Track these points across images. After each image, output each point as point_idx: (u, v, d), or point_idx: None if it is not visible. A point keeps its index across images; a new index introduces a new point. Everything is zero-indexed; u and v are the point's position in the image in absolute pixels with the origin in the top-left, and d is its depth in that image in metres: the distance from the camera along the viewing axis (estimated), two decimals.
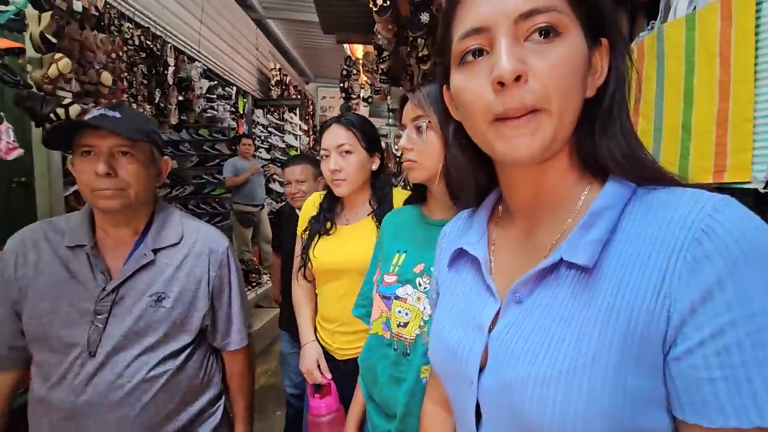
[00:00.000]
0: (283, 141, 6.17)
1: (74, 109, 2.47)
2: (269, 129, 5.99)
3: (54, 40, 2.35)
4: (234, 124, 5.04)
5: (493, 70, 0.38)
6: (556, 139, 0.40)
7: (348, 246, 1.24)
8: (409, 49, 2.44)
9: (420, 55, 2.17)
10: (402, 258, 0.95)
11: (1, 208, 2.77)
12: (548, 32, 0.38)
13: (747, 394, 0.31)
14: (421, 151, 0.86)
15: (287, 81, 6.61)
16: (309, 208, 1.38)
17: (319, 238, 1.28)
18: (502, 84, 0.38)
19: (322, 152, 1.21)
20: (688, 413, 0.33)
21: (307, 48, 7.34)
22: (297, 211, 1.89)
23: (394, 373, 0.91)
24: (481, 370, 0.45)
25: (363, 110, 9.04)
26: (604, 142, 0.41)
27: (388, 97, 4.55)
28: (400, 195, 1.23)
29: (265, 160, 5.68)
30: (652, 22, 1.09)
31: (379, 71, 2.93)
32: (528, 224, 0.48)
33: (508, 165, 0.46)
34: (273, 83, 6.15)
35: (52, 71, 2.35)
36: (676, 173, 0.41)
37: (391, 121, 7.93)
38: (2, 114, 2.28)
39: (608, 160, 0.41)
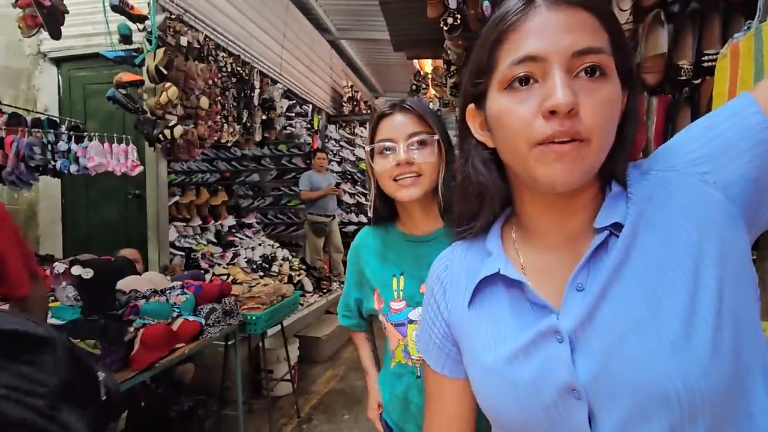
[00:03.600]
0: (354, 154, 6.42)
1: (178, 130, 2.84)
2: (341, 143, 6.28)
3: (165, 72, 2.72)
4: (309, 139, 5.38)
5: (547, 99, 0.40)
6: (593, 169, 0.43)
7: None
8: None
9: None
10: (402, 281, 0.91)
11: (119, 216, 3.24)
12: (595, 71, 0.41)
13: None
14: (425, 165, 0.84)
15: (358, 97, 6.90)
16: None
17: None
18: (553, 113, 0.40)
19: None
20: None
21: (377, 64, 7.61)
22: None
23: (423, 401, 0.87)
24: None
25: None
26: (620, 167, 0.47)
27: (457, 109, 4.56)
28: None
29: (337, 172, 5.95)
30: (748, 22, 1.01)
31: (449, 85, 2.97)
32: (561, 240, 0.49)
33: (546, 191, 0.45)
34: (345, 100, 6.46)
35: (163, 98, 2.73)
36: None
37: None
38: (130, 137, 2.69)
39: (620, 178, 0.48)
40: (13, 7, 2.26)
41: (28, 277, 1.09)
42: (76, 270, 1.58)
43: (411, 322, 0.89)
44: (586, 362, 0.42)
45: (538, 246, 0.51)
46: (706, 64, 1.23)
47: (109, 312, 1.61)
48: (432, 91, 4.62)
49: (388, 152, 0.86)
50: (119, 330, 1.55)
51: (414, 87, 5.45)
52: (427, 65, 5.38)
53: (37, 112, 2.91)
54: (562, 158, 0.41)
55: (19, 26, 2.29)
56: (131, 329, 1.61)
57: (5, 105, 2.58)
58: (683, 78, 1.28)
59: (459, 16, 1.93)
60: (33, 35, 2.34)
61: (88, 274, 1.58)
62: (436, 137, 0.86)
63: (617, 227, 0.44)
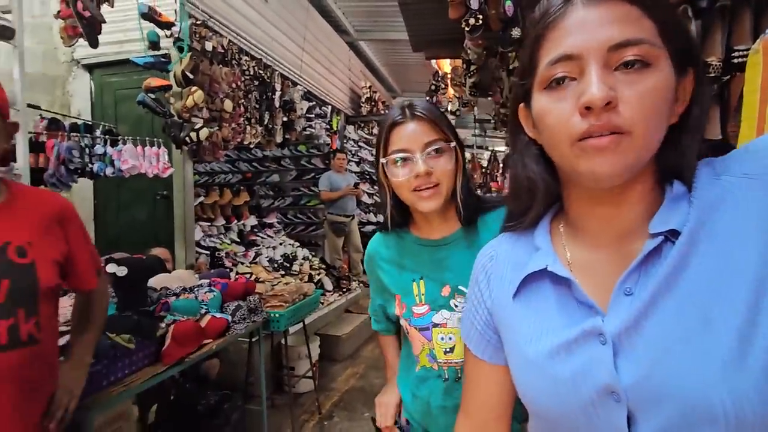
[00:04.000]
0: (372, 154, 6.47)
1: (203, 133, 2.92)
2: (359, 144, 6.34)
3: (191, 76, 2.81)
4: (328, 140, 5.44)
5: (582, 95, 0.40)
6: (638, 162, 0.42)
7: None
8: (499, 62, 2.45)
9: (510, 67, 2.17)
10: (422, 285, 0.91)
11: (148, 216, 3.36)
12: (636, 63, 0.40)
13: None
14: (443, 174, 0.83)
15: (376, 97, 6.94)
16: None
17: None
18: (589, 109, 0.40)
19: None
20: None
21: (396, 64, 7.63)
22: None
23: (448, 403, 0.89)
24: None
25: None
26: (686, 161, 0.45)
27: (475, 108, 4.54)
28: None
29: (356, 172, 6.00)
30: None
31: (468, 85, 2.97)
32: (610, 237, 0.48)
33: (591, 185, 0.45)
34: (363, 100, 6.50)
35: (189, 102, 2.81)
36: None
37: (477, 131, 7.84)
38: (161, 140, 2.79)
39: (687, 176, 0.45)
40: (55, 18, 2.38)
41: (95, 272, 1.16)
42: (111, 268, 1.65)
43: (435, 325, 0.89)
44: (630, 367, 0.42)
45: (586, 243, 0.51)
46: (735, 60, 1.21)
47: (141, 308, 1.68)
48: (451, 91, 4.62)
49: (402, 162, 0.83)
50: (152, 325, 1.61)
51: (433, 87, 5.44)
52: (445, 65, 5.36)
53: (71, 117, 3.04)
54: (602, 152, 0.40)
55: (60, 36, 2.41)
56: (162, 325, 1.68)
57: (44, 110, 2.71)
58: (712, 75, 1.26)
59: (480, 16, 1.94)
60: (72, 45, 2.46)
61: (122, 271, 1.65)
62: (453, 144, 0.85)
63: (674, 233, 0.43)
